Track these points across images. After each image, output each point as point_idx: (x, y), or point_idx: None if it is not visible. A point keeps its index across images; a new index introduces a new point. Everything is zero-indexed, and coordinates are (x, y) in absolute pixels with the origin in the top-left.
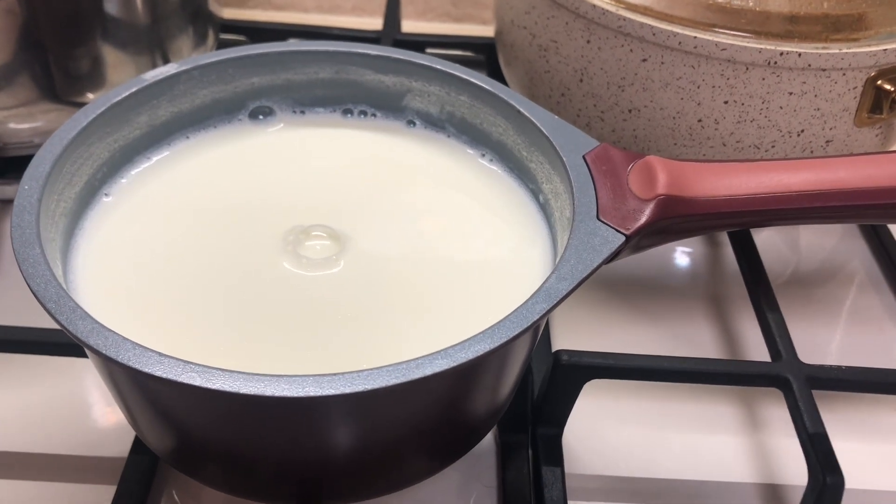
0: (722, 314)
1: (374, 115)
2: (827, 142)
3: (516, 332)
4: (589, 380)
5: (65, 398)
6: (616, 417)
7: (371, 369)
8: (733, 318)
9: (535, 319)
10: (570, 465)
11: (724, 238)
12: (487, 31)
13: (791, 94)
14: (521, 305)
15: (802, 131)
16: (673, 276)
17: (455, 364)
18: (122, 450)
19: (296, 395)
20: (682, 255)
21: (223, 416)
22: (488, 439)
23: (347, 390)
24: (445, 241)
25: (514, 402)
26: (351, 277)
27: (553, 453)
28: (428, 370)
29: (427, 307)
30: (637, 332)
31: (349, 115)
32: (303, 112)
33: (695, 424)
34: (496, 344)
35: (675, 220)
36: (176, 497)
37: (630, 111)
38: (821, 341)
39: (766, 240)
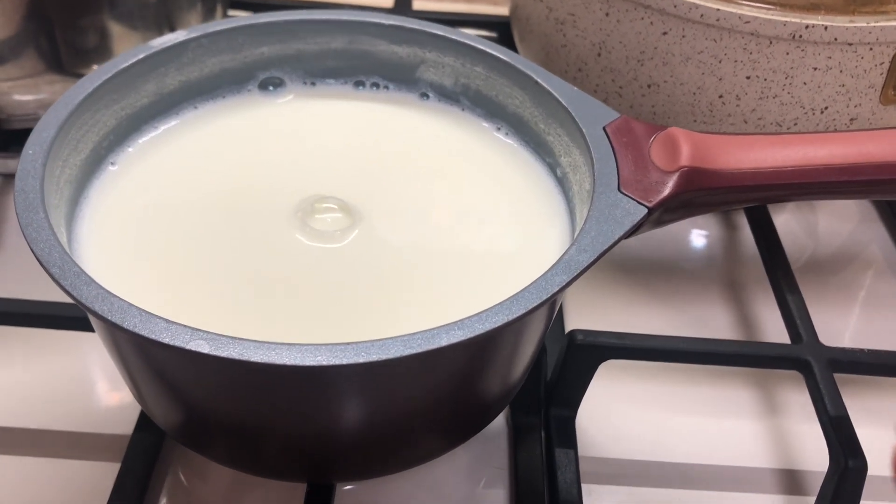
0: (739, 297)
1: (386, 87)
2: (851, 119)
3: (535, 304)
4: (604, 360)
5: (68, 374)
6: (631, 400)
7: (385, 339)
8: (751, 301)
9: (554, 291)
10: (583, 448)
11: (742, 220)
12: (498, 9)
13: (816, 69)
14: (539, 277)
15: (826, 108)
16: (689, 258)
17: (472, 335)
18: (126, 427)
19: (308, 363)
20: (698, 237)
21: (231, 386)
22: (500, 421)
23: (361, 359)
24: (459, 214)
25: (526, 383)
26: (362, 250)
27: (566, 435)
28: (444, 341)
29: (440, 280)
30: (652, 315)
31: (361, 87)
32: (314, 83)
33: (711, 408)
34: (514, 315)
35: (698, 192)
36: (181, 475)
37: (649, 86)
38: (839, 325)
39: (784, 224)
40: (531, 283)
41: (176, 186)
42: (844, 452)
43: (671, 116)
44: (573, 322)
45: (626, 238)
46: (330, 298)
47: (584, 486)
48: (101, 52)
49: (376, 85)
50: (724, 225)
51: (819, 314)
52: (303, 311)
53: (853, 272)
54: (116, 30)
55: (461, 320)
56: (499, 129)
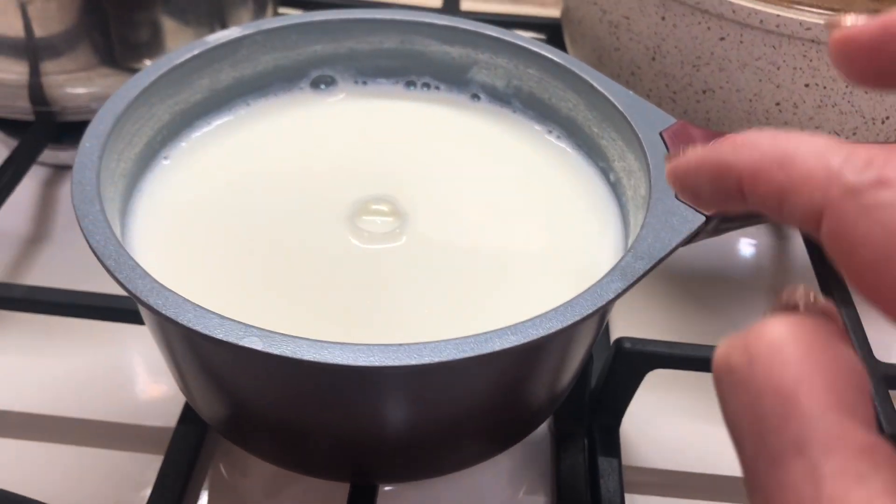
0: None
1: (437, 87)
2: None
3: (590, 311)
4: (652, 369)
5: (113, 365)
6: (675, 410)
7: (439, 341)
8: None
9: (610, 298)
10: (626, 457)
11: (793, 230)
12: (546, 11)
13: None
14: (595, 283)
15: (887, 118)
16: (737, 267)
17: (525, 340)
18: (169, 420)
19: (360, 363)
20: (746, 245)
21: (281, 383)
22: (542, 427)
23: (413, 361)
24: (510, 218)
25: (571, 391)
26: (412, 252)
27: (610, 444)
28: (497, 345)
29: (490, 284)
30: (698, 324)
31: (412, 87)
32: (365, 83)
33: None
34: (568, 322)
35: None
36: (223, 469)
37: (704, 92)
38: (893, 341)
39: None
40: (586, 290)
41: (227, 182)
42: None
43: (726, 123)
44: (618, 329)
45: (682, 246)
46: (379, 300)
47: (627, 496)
48: (154, 46)
49: (427, 85)
50: (774, 234)
51: (873, 329)
52: (352, 312)
53: None
54: (169, 25)
55: (515, 325)
56: (550, 131)
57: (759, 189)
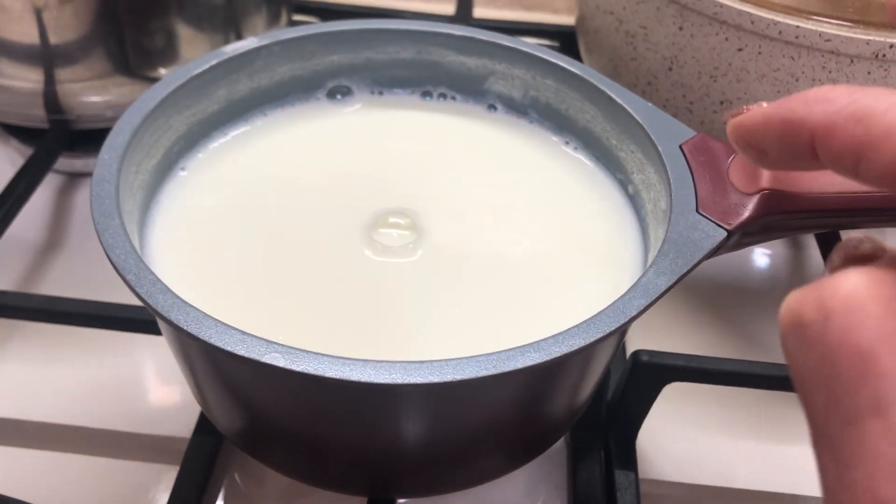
0: None
1: (453, 98)
2: None
3: (613, 328)
4: (669, 382)
5: (129, 375)
6: (692, 423)
7: (460, 359)
8: None
9: (632, 315)
10: (642, 470)
11: (809, 240)
12: (558, 19)
13: None
14: (617, 300)
15: None
16: (752, 278)
17: (548, 358)
18: (184, 430)
19: (382, 381)
20: (762, 256)
21: (300, 399)
22: (559, 441)
23: (435, 379)
24: (527, 231)
25: (592, 402)
26: (429, 266)
27: (627, 457)
28: (519, 363)
29: (508, 300)
30: (713, 336)
31: (428, 98)
32: (381, 93)
33: (775, 434)
34: (591, 339)
35: (780, 216)
36: (238, 480)
37: (721, 103)
38: None
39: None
40: (608, 307)
41: (244, 193)
42: None
43: None
44: (634, 342)
45: (704, 261)
46: (396, 314)
47: None
48: (169, 55)
49: (444, 95)
50: (789, 244)
51: None
52: (367, 326)
53: None
54: (184, 33)
55: (537, 342)
56: (568, 143)
57: (835, 145)
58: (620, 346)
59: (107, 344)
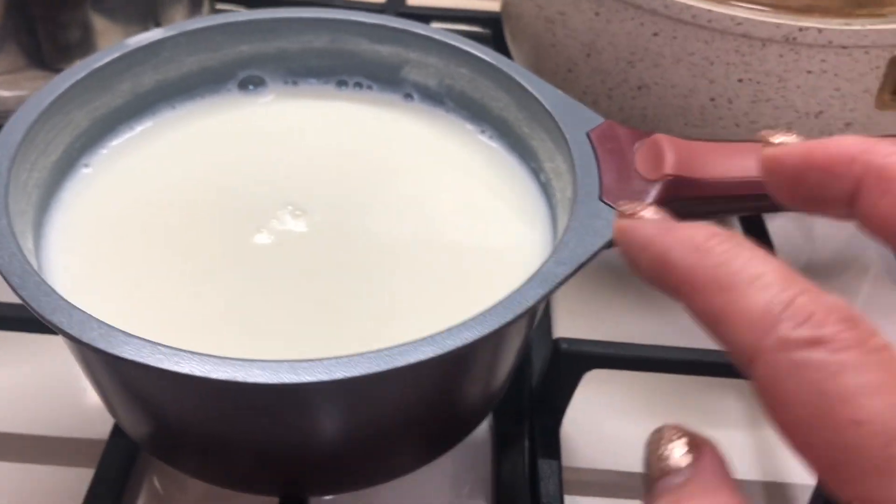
0: None
1: (369, 87)
2: (846, 124)
3: (509, 319)
4: (589, 369)
5: (43, 377)
6: (617, 410)
7: (351, 356)
8: None
9: (529, 305)
10: (568, 459)
11: (736, 226)
12: (494, 5)
13: (810, 72)
14: (515, 290)
15: (821, 112)
16: None
17: (442, 352)
18: (101, 432)
19: (270, 381)
20: None
21: (194, 400)
22: (483, 430)
23: (325, 377)
24: (439, 219)
25: (510, 392)
26: (338, 257)
27: (550, 445)
28: (412, 358)
29: (416, 289)
30: (643, 323)
31: (344, 87)
32: (295, 83)
33: (699, 419)
34: (487, 331)
35: (683, 202)
36: (157, 484)
37: (639, 88)
38: None
39: (780, 229)
40: (505, 297)
41: (151, 189)
42: None
43: (662, 119)
44: (563, 330)
45: (607, 249)
46: (303, 308)
47: (568, 497)
48: (84, 47)
49: (359, 85)
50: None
51: None
52: (275, 322)
53: (849, 278)
54: (100, 25)
55: (432, 336)
56: (483, 131)
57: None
58: (546, 334)
59: (18, 346)
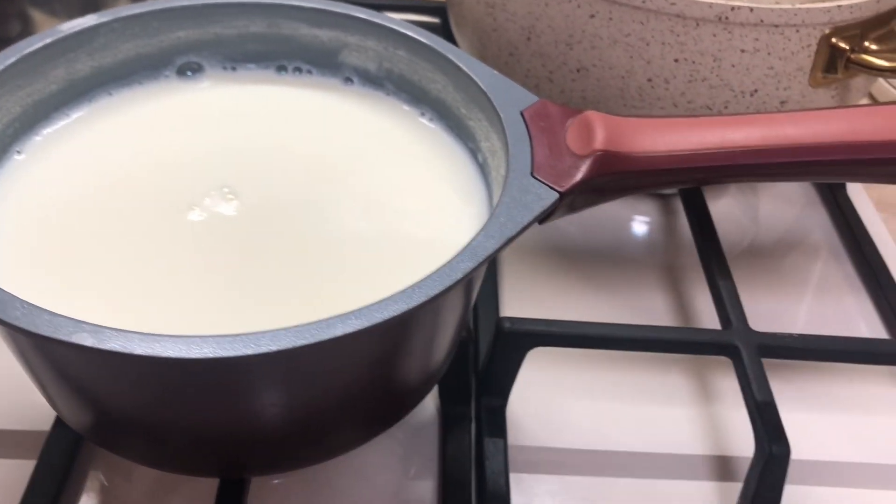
0: (677, 284)
1: (309, 71)
2: (781, 102)
3: (437, 292)
4: (532, 347)
5: None
6: (565, 388)
7: (276, 330)
8: (689, 288)
9: (457, 278)
10: (515, 437)
11: (679, 209)
12: None
13: (743, 51)
14: (444, 264)
15: (756, 91)
16: (629, 244)
17: (369, 324)
18: (44, 423)
19: (193, 356)
20: (639, 224)
21: (123, 379)
22: (430, 410)
23: (249, 352)
24: (376, 201)
25: (457, 371)
26: (271, 237)
27: (496, 424)
28: (339, 330)
29: (351, 268)
30: (590, 302)
31: (283, 72)
32: (234, 68)
33: (646, 396)
34: (414, 304)
35: (612, 177)
36: (101, 473)
37: (579, 70)
38: (779, 312)
39: (724, 209)
40: (435, 271)
41: (85, 175)
42: (769, 439)
43: (602, 101)
44: (510, 310)
45: (538, 223)
46: (236, 285)
47: (515, 476)
48: (22, 37)
49: (299, 69)
50: (664, 211)
51: (757, 300)
52: (206, 299)
53: (795, 257)
54: (36, 14)
55: (359, 309)
56: (423, 114)
57: None
58: (495, 313)
59: None
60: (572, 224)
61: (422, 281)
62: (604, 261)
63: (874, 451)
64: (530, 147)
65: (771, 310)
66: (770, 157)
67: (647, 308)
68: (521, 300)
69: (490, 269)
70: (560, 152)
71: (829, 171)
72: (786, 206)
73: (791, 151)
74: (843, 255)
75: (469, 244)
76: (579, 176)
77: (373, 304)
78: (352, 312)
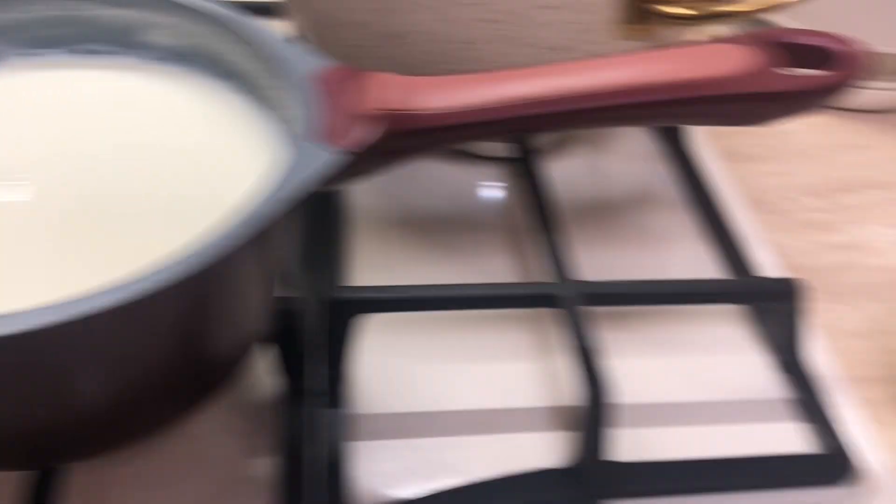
0: (521, 245)
1: (109, 53)
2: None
3: (211, 259)
4: (358, 314)
5: None
6: (409, 354)
7: (27, 311)
8: (528, 245)
9: (234, 244)
10: (360, 406)
11: (505, 169)
12: None
13: (548, 7)
14: (220, 231)
15: (570, 48)
16: (479, 210)
17: (128, 297)
18: None
19: None
20: (488, 188)
21: None
22: (266, 382)
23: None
24: (174, 177)
25: (289, 343)
26: (65, 218)
27: (332, 394)
28: (86, 307)
29: (143, 243)
30: (443, 267)
31: (82, 55)
32: (31, 55)
33: (489, 354)
34: (174, 275)
35: (403, 137)
36: None
37: (387, 37)
38: (618, 264)
39: (568, 168)
40: (209, 239)
41: None
42: (594, 385)
43: (416, 66)
44: (363, 280)
45: (323, 188)
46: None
47: (357, 444)
48: None
49: (97, 52)
50: (513, 174)
51: (594, 254)
52: None
53: (636, 211)
54: None
55: (120, 282)
56: (226, 87)
57: None
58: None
59: None
60: (421, 193)
61: (185, 253)
62: (454, 227)
63: (710, 388)
64: (317, 110)
65: (610, 263)
66: (564, 105)
67: (494, 269)
68: (373, 270)
69: (329, 238)
70: (347, 115)
71: (628, 114)
72: (630, 162)
73: (584, 98)
74: (686, 205)
75: (246, 211)
76: (367, 136)
77: (136, 276)
78: (107, 287)
